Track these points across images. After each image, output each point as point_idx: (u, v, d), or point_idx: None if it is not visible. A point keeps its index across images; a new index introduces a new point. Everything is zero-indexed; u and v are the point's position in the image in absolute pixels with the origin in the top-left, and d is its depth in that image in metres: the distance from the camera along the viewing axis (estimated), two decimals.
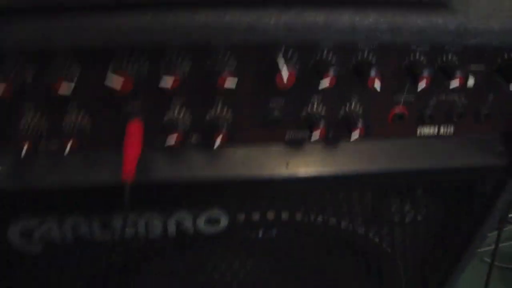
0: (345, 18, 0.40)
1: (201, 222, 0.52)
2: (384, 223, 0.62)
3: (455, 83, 0.44)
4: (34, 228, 0.50)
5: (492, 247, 0.70)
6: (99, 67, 0.40)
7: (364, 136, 0.48)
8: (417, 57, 0.45)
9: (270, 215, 0.55)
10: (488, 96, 0.51)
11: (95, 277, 0.57)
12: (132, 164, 0.41)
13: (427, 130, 0.52)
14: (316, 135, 0.46)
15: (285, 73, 0.41)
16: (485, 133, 0.54)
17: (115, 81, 0.39)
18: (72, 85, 0.39)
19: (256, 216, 0.54)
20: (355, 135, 0.46)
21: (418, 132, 0.52)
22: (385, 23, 0.41)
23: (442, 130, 0.53)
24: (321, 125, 0.46)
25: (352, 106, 0.48)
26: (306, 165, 0.50)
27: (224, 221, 0.53)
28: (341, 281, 0.74)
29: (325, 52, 0.43)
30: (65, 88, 0.39)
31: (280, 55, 0.42)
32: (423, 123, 0.51)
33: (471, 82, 0.47)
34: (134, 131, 0.43)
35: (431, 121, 0.51)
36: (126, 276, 0.59)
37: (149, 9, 0.38)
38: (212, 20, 0.38)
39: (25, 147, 0.43)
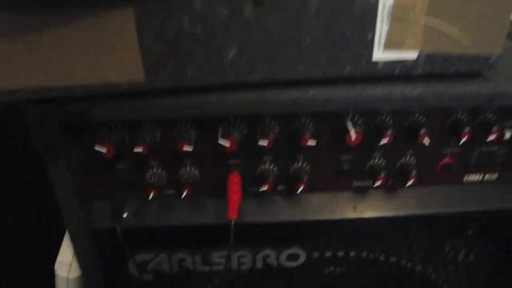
0: (398, 90, 0.52)
1: (283, 257, 0.62)
2: (439, 261, 0.70)
3: (492, 137, 0.55)
4: (149, 261, 0.62)
5: None
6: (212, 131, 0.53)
7: (417, 183, 0.58)
8: (459, 116, 0.56)
9: (340, 253, 0.65)
10: None
11: None
12: (235, 207, 0.53)
13: (472, 177, 0.62)
14: (378, 182, 0.57)
15: (353, 134, 0.52)
16: None
17: (225, 142, 0.52)
18: (191, 146, 0.53)
19: (328, 254, 0.65)
20: (410, 182, 0.57)
21: (464, 179, 0.62)
22: (430, 92, 0.52)
23: (486, 177, 0.62)
24: (382, 174, 0.57)
25: (407, 159, 0.58)
26: (370, 209, 0.61)
27: (302, 257, 0.63)
28: None
29: (383, 116, 0.54)
30: (187, 147, 0.52)
31: (349, 119, 0.54)
32: (468, 171, 0.61)
33: (508, 135, 0.57)
34: (236, 180, 0.55)
35: (476, 169, 0.61)
36: None
37: (251, 87, 0.51)
38: (297, 95, 0.51)
39: (152, 194, 0.56)
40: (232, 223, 0.53)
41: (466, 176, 0.62)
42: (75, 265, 0.74)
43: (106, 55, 0.45)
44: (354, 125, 0.53)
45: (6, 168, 0.99)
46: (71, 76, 0.46)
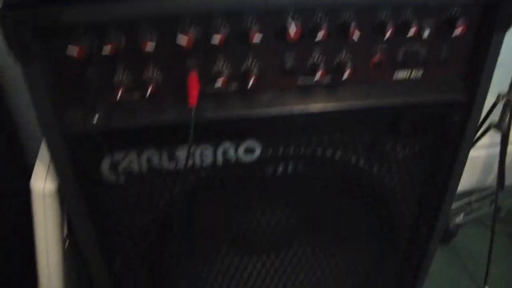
0: None
1: (241, 151, 0.71)
2: (381, 159, 0.80)
3: (411, 33, 0.64)
4: (120, 161, 0.70)
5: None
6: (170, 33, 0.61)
7: (355, 81, 0.68)
8: (384, 16, 0.65)
9: (291, 150, 0.74)
10: (443, 45, 0.70)
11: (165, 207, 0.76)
12: (195, 95, 0.61)
13: (401, 75, 0.71)
14: (318, 76, 0.65)
15: (292, 29, 0.60)
16: (448, 75, 0.73)
17: (182, 40, 0.59)
18: (153, 46, 0.60)
19: (281, 150, 0.73)
20: (345, 75, 0.66)
21: (394, 76, 0.71)
22: None
23: (412, 74, 0.72)
24: (321, 69, 0.65)
25: (343, 56, 0.67)
26: (314, 104, 0.69)
27: (257, 151, 0.71)
28: (352, 227, 0.91)
29: (319, 16, 0.63)
30: (149, 47, 0.59)
31: (289, 17, 0.62)
32: (397, 68, 0.70)
33: (426, 33, 0.66)
34: (194, 76, 0.63)
35: (403, 66, 0.70)
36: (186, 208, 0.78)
37: None
38: None
39: (119, 94, 0.63)
40: (193, 109, 0.60)
41: (396, 73, 0.71)
42: (50, 179, 0.81)
43: None
44: (294, 21, 0.61)
45: None
46: None
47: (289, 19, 0.62)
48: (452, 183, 0.84)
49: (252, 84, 0.64)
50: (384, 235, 0.90)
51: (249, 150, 0.71)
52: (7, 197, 0.99)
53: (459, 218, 1.39)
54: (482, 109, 0.76)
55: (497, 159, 1.28)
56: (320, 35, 0.62)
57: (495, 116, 1.28)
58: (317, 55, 0.66)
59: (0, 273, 0.93)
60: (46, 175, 0.81)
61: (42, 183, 0.80)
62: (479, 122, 1.27)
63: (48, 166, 0.82)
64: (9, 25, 0.57)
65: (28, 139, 1.20)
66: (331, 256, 0.93)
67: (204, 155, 0.70)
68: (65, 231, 0.91)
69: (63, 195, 0.76)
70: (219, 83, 0.63)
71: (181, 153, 0.70)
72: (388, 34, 0.63)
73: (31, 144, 1.20)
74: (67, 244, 0.94)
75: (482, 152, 1.59)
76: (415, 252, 0.95)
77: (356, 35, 0.63)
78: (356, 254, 0.95)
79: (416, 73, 0.72)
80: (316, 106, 0.69)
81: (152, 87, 0.63)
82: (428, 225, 0.90)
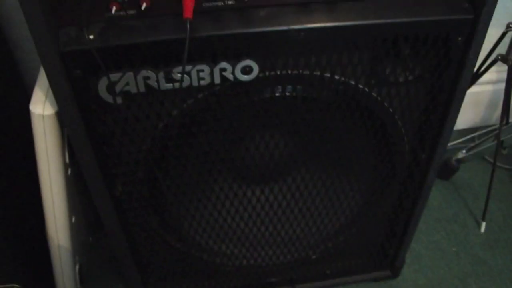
0: None
1: (238, 70, 0.70)
2: (382, 82, 0.78)
3: None
4: (117, 81, 0.69)
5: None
6: None
7: None
8: None
9: (289, 70, 0.73)
10: None
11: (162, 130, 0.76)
12: (190, 7, 0.60)
13: None
14: None
15: None
16: None
17: None
18: None
19: (278, 70, 0.72)
20: None
21: None
22: None
23: None
24: None
25: None
26: (313, 21, 0.67)
27: (255, 70, 0.70)
28: (351, 152, 0.90)
29: None
30: None
31: None
32: None
33: None
34: None
35: None
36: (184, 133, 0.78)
37: None
38: None
39: (114, 8, 0.62)
40: (188, 22, 0.59)
41: None
42: (49, 103, 0.81)
43: None
44: None
45: None
46: None
47: None
48: (453, 109, 0.83)
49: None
50: (383, 161, 0.90)
51: (247, 70, 0.70)
52: (8, 122, 1.00)
53: (462, 153, 1.39)
54: (487, 29, 0.73)
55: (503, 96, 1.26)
56: None
57: (502, 50, 1.25)
58: None
59: (4, 200, 0.95)
60: (45, 99, 0.81)
61: (42, 106, 0.80)
62: (487, 54, 1.25)
63: (47, 90, 0.82)
64: None
65: (28, 65, 1.20)
66: (331, 182, 0.94)
67: (201, 75, 0.69)
68: (67, 158, 0.92)
69: (63, 118, 0.76)
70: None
71: (179, 73, 0.69)
72: None
73: (31, 70, 1.20)
74: (69, 171, 0.96)
75: (488, 88, 1.56)
76: (414, 179, 0.96)
77: None
78: (356, 180, 0.96)
79: None
80: (315, 22, 0.67)
81: (147, 2, 0.62)
82: (427, 152, 0.90)
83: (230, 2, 0.65)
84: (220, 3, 0.64)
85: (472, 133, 1.55)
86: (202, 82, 0.70)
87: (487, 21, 0.72)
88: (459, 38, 0.74)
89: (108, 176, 0.83)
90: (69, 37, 0.66)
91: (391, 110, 0.82)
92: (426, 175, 0.94)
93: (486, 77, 1.37)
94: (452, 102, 0.82)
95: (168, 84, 0.70)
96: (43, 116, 0.80)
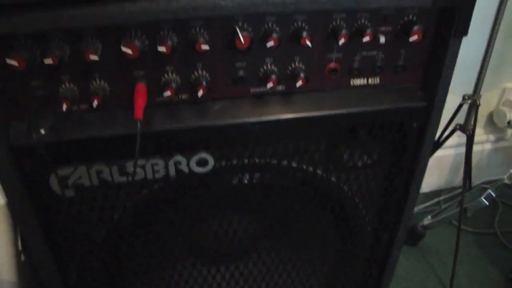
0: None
1: (193, 163, 0.69)
2: (340, 167, 0.78)
3: (366, 39, 0.63)
4: (69, 175, 0.67)
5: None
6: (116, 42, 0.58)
7: (310, 89, 0.66)
8: (338, 22, 0.63)
9: (245, 160, 0.72)
10: (400, 51, 0.69)
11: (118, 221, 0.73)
12: (141, 108, 0.59)
13: (357, 82, 0.70)
14: (270, 84, 0.64)
15: (241, 37, 0.59)
16: (406, 82, 0.72)
17: (127, 49, 0.56)
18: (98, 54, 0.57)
19: (234, 161, 0.71)
20: (299, 84, 0.64)
21: (351, 83, 0.70)
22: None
23: (370, 81, 0.70)
24: (273, 77, 0.64)
25: (297, 63, 0.65)
26: (268, 113, 0.67)
27: (210, 163, 0.69)
28: (313, 233, 0.89)
29: (269, 23, 0.61)
30: (93, 56, 0.57)
31: (238, 25, 0.60)
32: (353, 75, 0.69)
33: (382, 39, 0.65)
34: (141, 87, 0.61)
35: (359, 73, 0.69)
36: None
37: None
38: (188, 2, 0.56)
39: (65, 106, 0.60)
40: (138, 122, 0.58)
41: (352, 80, 0.70)
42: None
43: None
44: (243, 28, 0.59)
45: None
46: None
47: (238, 27, 0.60)
48: (413, 189, 0.84)
49: (203, 94, 0.62)
50: (345, 242, 0.89)
51: (202, 163, 0.69)
52: None
53: (428, 219, 1.39)
54: (441, 115, 0.75)
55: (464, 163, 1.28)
56: (271, 42, 0.60)
57: (461, 117, 1.28)
58: (269, 63, 0.65)
59: None
60: None
61: None
62: (446, 123, 1.27)
63: None
64: None
65: None
66: (293, 263, 0.92)
67: (155, 168, 0.68)
68: (20, 245, 0.88)
69: (12, 210, 0.73)
70: (168, 93, 0.61)
71: (133, 167, 0.67)
72: (342, 41, 0.62)
73: None
74: (22, 257, 0.91)
75: (450, 152, 1.60)
76: (377, 258, 0.94)
77: (308, 42, 0.61)
78: (319, 258, 0.94)
79: (373, 80, 0.71)
80: (270, 115, 0.67)
81: (99, 99, 0.61)
82: (389, 232, 0.89)
83: (184, 97, 0.65)
84: (173, 98, 0.64)
85: (437, 195, 1.56)
86: (157, 175, 0.69)
87: (441, 108, 0.74)
88: (414, 124, 0.75)
89: (63, 266, 0.80)
90: (19, 131, 0.64)
91: (350, 194, 0.82)
92: (389, 253, 0.94)
93: (448, 142, 1.40)
94: (411, 182, 0.82)
95: (122, 177, 0.68)
96: None
